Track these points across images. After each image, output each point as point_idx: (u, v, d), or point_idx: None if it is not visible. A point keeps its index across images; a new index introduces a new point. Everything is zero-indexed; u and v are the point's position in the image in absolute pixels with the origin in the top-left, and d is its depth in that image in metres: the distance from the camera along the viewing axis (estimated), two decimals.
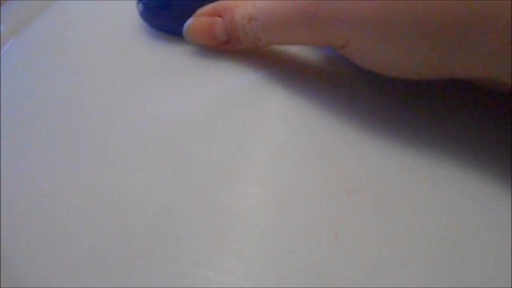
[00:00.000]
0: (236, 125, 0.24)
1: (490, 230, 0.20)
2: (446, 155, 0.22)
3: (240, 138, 0.23)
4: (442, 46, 0.19)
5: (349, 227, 0.20)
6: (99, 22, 0.32)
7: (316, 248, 0.19)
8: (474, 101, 0.25)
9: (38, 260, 0.20)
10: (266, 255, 0.19)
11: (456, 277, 0.18)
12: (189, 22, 0.26)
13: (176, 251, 0.20)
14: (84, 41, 0.30)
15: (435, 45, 0.19)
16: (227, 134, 0.24)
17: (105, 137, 0.24)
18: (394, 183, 0.21)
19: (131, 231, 0.21)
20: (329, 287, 0.18)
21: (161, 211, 0.21)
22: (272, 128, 0.24)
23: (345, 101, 0.25)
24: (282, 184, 0.21)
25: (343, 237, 0.20)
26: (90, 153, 0.24)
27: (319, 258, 0.19)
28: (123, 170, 0.23)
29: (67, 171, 0.23)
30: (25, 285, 0.19)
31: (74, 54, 0.29)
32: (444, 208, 0.20)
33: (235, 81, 0.26)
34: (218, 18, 0.25)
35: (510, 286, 0.18)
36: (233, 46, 0.26)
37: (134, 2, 0.29)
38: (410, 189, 0.21)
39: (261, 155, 0.23)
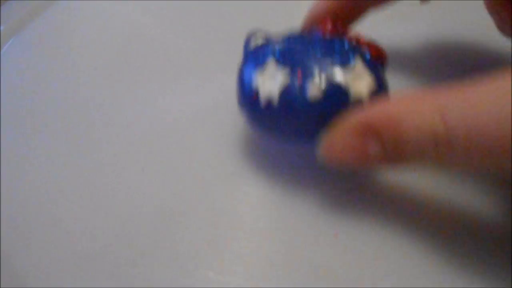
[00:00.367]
0: (236, 125, 0.24)
1: (490, 230, 0.20)
2: None
3: (239, 138, 0.23)
4: None
5: (349, 227, 0.20)
6: (99, 22, 0.32)
7: (316, 248, 0.19)
8: None
9: (38, 260, 0.20)
10: (266, 255, 0.19)
11: (456, 277, 0.18)
12: (329, 136, 0.18)
13: (176, 251, 0.20)
14: (84, 41, 0.30)
15: None
16: (227, 134, 0.24)
17: (105, 137, 0.24)
18: (394, 183, 0.21)
19: (131, 231, 0.21)
20: (329, 287, 0.18)
21: (161, 211, 0.21)
22: None
23: None
24: (282, 184, 0.21)
25: (343, 237, 0.20)
26: (89, 153, 0.24)
27: (319, 258, 0.19)
28: (123, 170, 0.23)
29: (67, 171, 0.23)
30: (25, 285, 0.19)
31: (74, 54, 0.29)
32: (444, 208, 0.20)
33: (235, 81, 0.26)
34: (372, 137, 0.17)
35: (510, 286, 0.18)
36: (393, 162, 0.17)
37: (133, 2, 0.29)
38: (410, 189, 0.21)
39: (261, 155, 0.23)
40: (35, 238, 0.21)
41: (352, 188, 0.21)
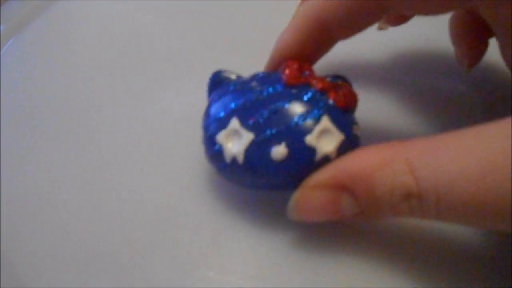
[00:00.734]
0: None
1: (490, 230, 0.20)
2: None
3: None
4: None
5: (348, 227, 0.20)
6: (99, 22, 0.32)
7: (317, 248, 0.19)
8: (474, 102, 0.25)
9: (38, 260, 0.20)
10: (266, 255, 0.19)
11: (456, 276, 0.18)
12: (297, 197, 0.18)
13: (176, 251, 0.20)
14: (84, 41, 0.30)
15: None
16: None
17: (104, 137, 0.24)
18: None
19: (131, 231, 0.21)
20: (329, 287, 0.18)
21: (161, 211, 0.21)
22: None
23: None
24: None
25: (343, 237, 0.20)
26: (89, 153, 0.24)
27: (319, 258, 0.19)
28: (122, 170, 0.23)
29: (67, 171, 0.23)
30: (25, 285, 0.19)
31: (74, 54, 0.29)
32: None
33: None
34: (344, 193, 0.17)
35: (510, 286, 0.18)
36: (368, 218, 0.17)
37: (133, 2, 0.29)
38: None
39: None
40: (35, 238, 0.21)
41: None
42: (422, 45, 0.27)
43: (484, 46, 0.23)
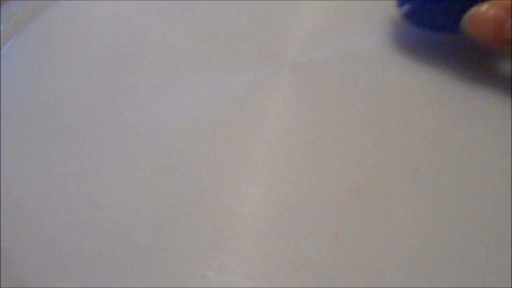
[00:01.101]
0: (236, 125, 0.24)
1: (490, 230, 0.20)
2: (446, 155, 0.22)
3: (240, 138, 0.23)
4: None
5: (349, 227, 0.20)
6: (99, 22, 0.32)
7: (316, 248, 0.19)
8: (475, 105, 0.25)
9: (38, 260, 0.20)
10: (266, 255, 0.19)
11: (456, 276, 0.18)
12: (475, 10, 0.23)
13: (176, 251, 0.20)
14: (84, 41, 0.30)
15: None
16: (227, 134, 0.24)
17: (104, 137, 0.24)
18: (394, 183, 0.21)
19: (131, 231, 0.20)
20: (329, 287, 0.18)
21: (161, 211, 0.21)
22: (272, 128, 0.24)
23: (344, 101, 0.25)
24: (282, 184, 0.21)
25: (343, 237, 0.20)
26: (89, 153, 0.24)
27: (319, 258, 0.19)
28: (122, 170, 0.23)
29: (67, 171, 0.23)
30: (25, 285, 0.19)
31: (74, 54, 0.29)
32: (444, 208, 0.20)
33: (235, 81, 0.26)
34: (510, 16, 0.22)
35: (510, 286, 0.18)
36: None
37: (133, 2, 0.29)
38: (410, 189, 0.21)
39: (261, 155, 0.23)
40: (35, 238, 0.21)
41: (352, 188, 0.21)
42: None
43: None
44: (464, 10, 0.23)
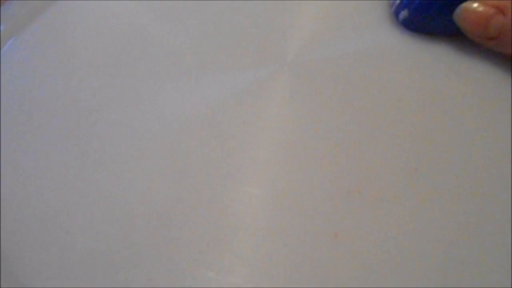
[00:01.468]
0: (236, 125, 0.24)
1: (490, 230, 0.20)
2: (446, 155, 0.22)
3: (240, 138, 0.23)
4: None
5: (349, 227, 0.20)
6: (99, 22, 0.32)
7: (316, 248, 0.19)
8: (475, 105, 0.25)
9: (38, 260, 0.20)
10: (266, 255, 0.19)
11: (456, 276, 0.18)
12: (466, 5, 0.25)
13: (176, 251, 0.20)
14: (84, 41, 0.30)
15: None
16: (227, 134, 0.24)
17: (104, 137, 0.24)
18: (394, 183, 0.21)
19: (131, 231, 0.21)
20: (329, 287, 0.18)
21: (161, 211, 0.21)
22: (272, 128, 0.24)
23: (344, 101, 0.25)
24: (282, 184, 0.21)
25: (343, 237, 0.20)
26: (89, 153, 0.24)
27: (319, 258, 0.19)
28: (122, 170, 0.23)
29: (67, 171, 0.23)
30: (25, 285, 0.19)
31: (74, 54, 0.29)
32: (443, 208, 0.20)
33: (235, 81, 0.26)
34: (498, 13, 0.24)
35: (510, 286, 0.18)
36: (499, 46, 0.24)
37: (133, 2, 0.29)
38: (410, 189, 0.21)
39: (261, 155, 0.23)
40: (35, 238, 0.21)
41: (352, 188, 0.21)
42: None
43: None
44: None
